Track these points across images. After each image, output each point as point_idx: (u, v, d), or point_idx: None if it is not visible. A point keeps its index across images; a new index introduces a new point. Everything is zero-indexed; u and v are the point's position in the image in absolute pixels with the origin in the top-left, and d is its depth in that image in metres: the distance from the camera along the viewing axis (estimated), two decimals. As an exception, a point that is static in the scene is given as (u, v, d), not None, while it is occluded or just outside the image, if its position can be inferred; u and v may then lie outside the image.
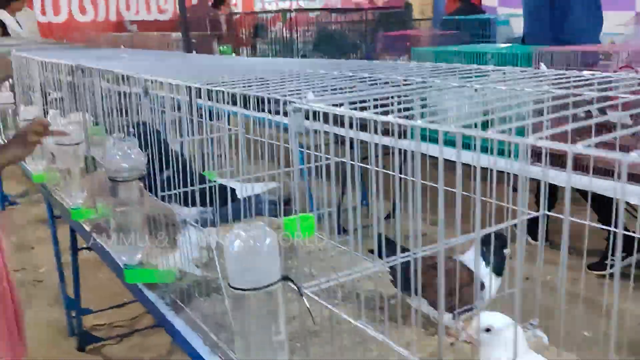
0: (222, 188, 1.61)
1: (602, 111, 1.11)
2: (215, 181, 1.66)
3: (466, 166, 0.79)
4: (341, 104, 0.83)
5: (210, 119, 1.54)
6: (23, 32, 6.34)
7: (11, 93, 3.10)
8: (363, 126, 0.85)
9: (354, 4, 8.45)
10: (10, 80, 3.47)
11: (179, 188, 1.56)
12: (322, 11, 5.96)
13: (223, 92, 1.10)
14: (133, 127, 1.52)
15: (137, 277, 1.52)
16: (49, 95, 2.55)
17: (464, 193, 0.81)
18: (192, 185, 1.56)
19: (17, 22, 6.38)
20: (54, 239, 2.90)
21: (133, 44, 6.21)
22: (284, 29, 5.48)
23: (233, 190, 1.70)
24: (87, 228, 2.06)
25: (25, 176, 5.73)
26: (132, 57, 2.24)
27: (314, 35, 5.36)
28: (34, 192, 5.34)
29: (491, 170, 0.93)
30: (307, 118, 0.87)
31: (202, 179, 1.63)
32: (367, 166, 0.90)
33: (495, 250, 1.14)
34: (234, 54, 5.65)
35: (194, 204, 1.59)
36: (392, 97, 0.89)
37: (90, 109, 2.04)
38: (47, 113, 2.68)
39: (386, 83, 1.17)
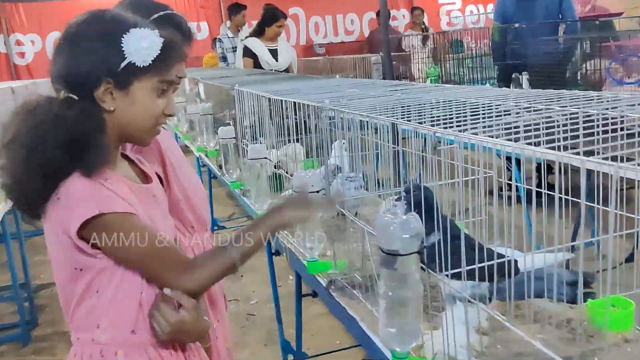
0: (498, 256, 1.30)
1: None
2: (496, 251, 1.34)
3: None
4: None
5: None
6: (278, 65, 5.12)
7: (232, 127, 3.09)
8: None
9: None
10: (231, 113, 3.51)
11: (452, 258, 1.27)
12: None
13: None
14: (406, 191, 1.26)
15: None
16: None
17: None
18: (468, 253, 1.27)
19: (273, 52, 5.22)
20: (272, 280, 2.79)
21: (330, 68, 6.25)
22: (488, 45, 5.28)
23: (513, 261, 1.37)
24: (322, 282, 1.87)
25: (230, 199, 5.97)
26: (365, 91, 2.03)
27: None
28: (239, 214, 5.47)
29: None
30: None
31: (481, 248, 1.33)
32: None
33: None
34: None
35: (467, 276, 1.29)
36: None
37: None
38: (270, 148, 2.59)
39: None
